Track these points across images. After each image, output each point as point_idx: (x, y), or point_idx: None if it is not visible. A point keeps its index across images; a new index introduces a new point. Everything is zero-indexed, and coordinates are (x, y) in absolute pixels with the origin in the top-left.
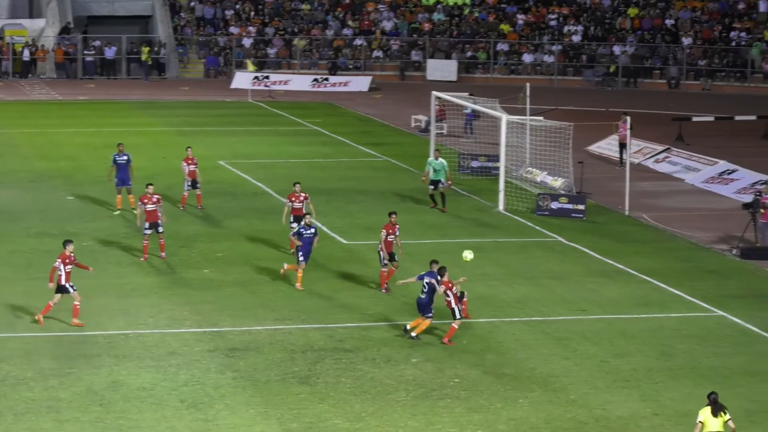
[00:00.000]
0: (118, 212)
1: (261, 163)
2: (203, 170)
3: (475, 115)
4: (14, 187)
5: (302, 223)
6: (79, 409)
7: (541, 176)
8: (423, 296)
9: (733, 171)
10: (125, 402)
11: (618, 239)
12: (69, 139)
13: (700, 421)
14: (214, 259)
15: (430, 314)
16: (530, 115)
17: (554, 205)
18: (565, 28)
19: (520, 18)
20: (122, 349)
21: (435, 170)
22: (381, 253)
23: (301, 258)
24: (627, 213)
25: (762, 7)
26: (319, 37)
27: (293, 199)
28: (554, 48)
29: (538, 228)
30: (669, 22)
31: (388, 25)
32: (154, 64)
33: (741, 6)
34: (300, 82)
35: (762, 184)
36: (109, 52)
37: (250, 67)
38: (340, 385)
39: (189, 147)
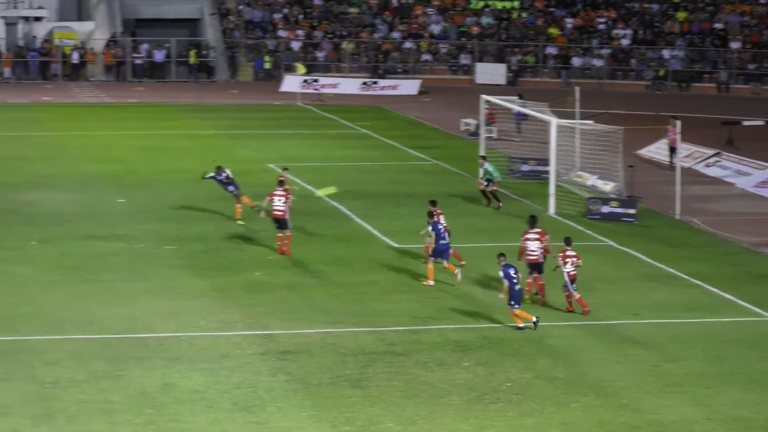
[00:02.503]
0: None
1: (310, 166)
2: (251, 173)
3: (523, 115)
4: (64, 190)
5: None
6: (131, 412)
7: (591, 180)
8: (518, 287)
9: None
10: (177, 404)
11: (669, 243)
12: (118, 141)
13: None
14: (265, 262)
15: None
16: (580, 119)
17: (605, 209)
18: (614, 32)
19: (569, 22)
20: (174, 351)
21: (486, 172)
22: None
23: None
24: (678, 217)
25: None
26: (367, 41)
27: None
28: (603, 52)
29: (588, 232)
30: (718, 26)
31: (436, 29)
32: (203, 68)
33: None
34: (349, 85)
35: None
36: (159, 55)
37: (300, 70)
38: (392, 389)
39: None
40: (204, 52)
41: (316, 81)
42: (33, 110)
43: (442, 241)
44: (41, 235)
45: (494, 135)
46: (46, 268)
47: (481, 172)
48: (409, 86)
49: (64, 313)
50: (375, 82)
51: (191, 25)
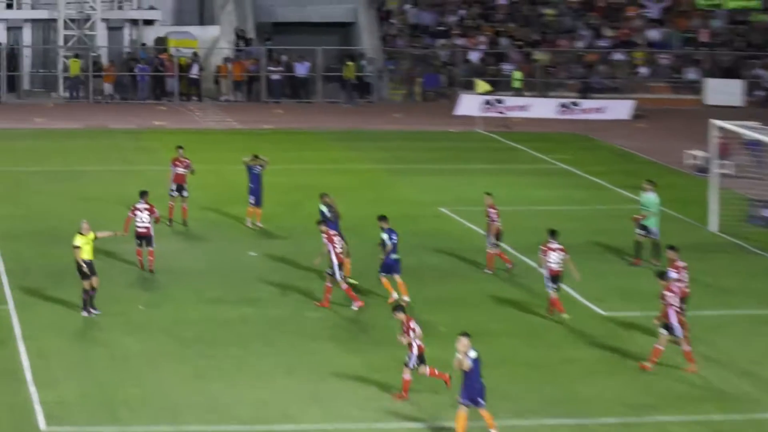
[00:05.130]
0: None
1: None
2: (418, 219)
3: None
4: (182, 239)
5: None
6: None
7: None
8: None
9: None
10: None
11: None
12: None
13: None
14: (435, 334)
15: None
16: None
17: None
18: None
19: None
20: None
21: (644, 207)
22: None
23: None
24: None
25: None
26: (567, 50)
27: None
28: None
29: None
30: None
31: (654, 35)
32: (357, 85)
33: None
34: (543, 107)
35: None
36: (301, 69)
37: (480, 87)
38: None
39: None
40: (360, 64)
41: (500, 102)
42: (142, 138)
43: (393, 255)
44: (151, 297)
45: (730, 171)
46: (157, 340)
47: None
48: (619, 108)
49: (178, 397)
50: (576, 104)
51: (342, 31)
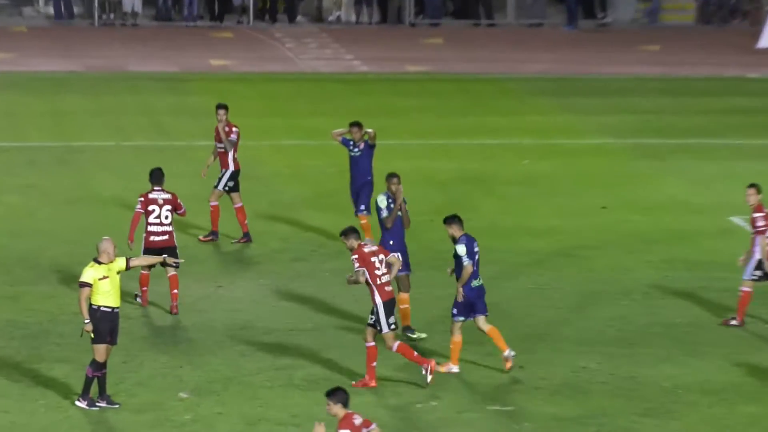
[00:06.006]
0: None
1: None
2: (691, 236)
3: None
4: (253, 272)
5: None
6: None
7: None
8: None
9: None
10: None
11: None
12: (384, 161)
13: None
14: None
15: None
16: None
17: None
18: None
19: None
20: None
21: None
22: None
23: None
24: None
25: None
26: None
27: None
28: None
29: None
30: None
31: None
32: None
33: None
34: None
35: None
36: None
37: None
38: None
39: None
40: None
41: None
42: (188, 89)
43: (474, 282)
44: (200, 376)
45: None
46: None
47: None
48: None
49: None
50: None
51: None
